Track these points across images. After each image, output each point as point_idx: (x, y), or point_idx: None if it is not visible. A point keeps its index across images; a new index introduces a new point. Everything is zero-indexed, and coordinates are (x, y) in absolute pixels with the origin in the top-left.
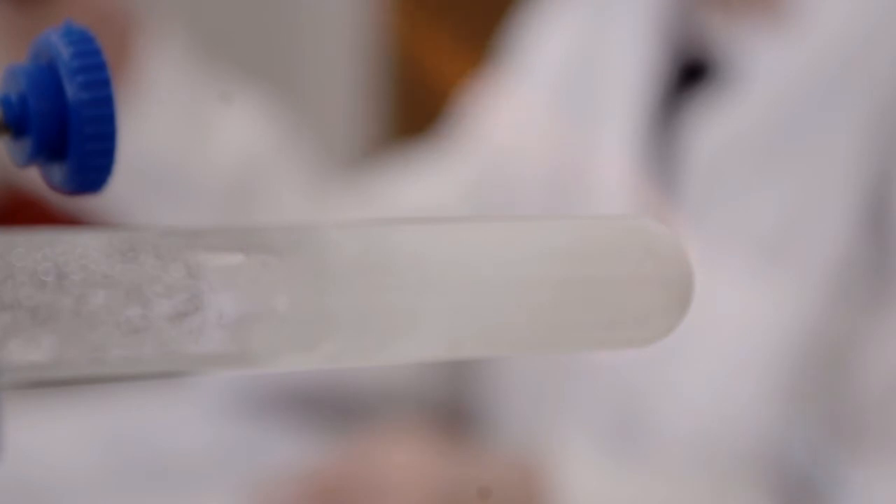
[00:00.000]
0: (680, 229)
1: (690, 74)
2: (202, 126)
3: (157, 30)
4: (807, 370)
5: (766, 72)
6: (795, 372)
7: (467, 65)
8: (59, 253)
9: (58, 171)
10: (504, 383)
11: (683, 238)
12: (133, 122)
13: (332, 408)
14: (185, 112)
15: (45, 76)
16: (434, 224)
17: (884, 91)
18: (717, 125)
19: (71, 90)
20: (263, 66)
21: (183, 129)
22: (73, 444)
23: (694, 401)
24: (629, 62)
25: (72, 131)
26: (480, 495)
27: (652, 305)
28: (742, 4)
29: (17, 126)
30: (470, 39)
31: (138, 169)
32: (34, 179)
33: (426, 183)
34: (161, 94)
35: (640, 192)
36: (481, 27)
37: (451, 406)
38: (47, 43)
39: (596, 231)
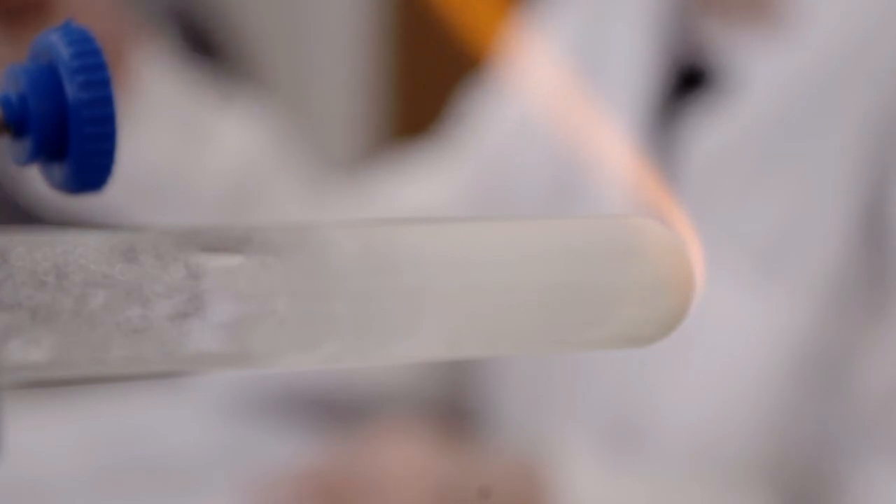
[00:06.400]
0: (682, 229)
1: (688, 81)
2: (199, 133)
3: (153, 39)
4: (803, 375)
5: (763, 79)
6: (792, 377)
7: (467, 65)
8: (59, 253)
9: (58, 171)
10: (504, 383)
11: (686, 238)
12: (130, 131)
13: (332, 408)
14: (181, 120)
15: (45, 76)
16: (434, 224)
17: (879, 99)
18: (713, 132)
19: (71, 90)
20: (263, 68)
21: (179, 137)
22: (73, 444)
23: (693, 401)
24: (627, 68)
25: (72, 131)
26: (480, 494)
27: (652, 305)
28: (739, 11)
29: (17, 126)
30: (469, 40)
31: (135, 177)
32: (34, 179)
33: (426, 183)
34: (157, 102)
35: (640, 191)
36: (480, 27)
37: (451, 406)
38: (47, 43)
39: (596, 231)
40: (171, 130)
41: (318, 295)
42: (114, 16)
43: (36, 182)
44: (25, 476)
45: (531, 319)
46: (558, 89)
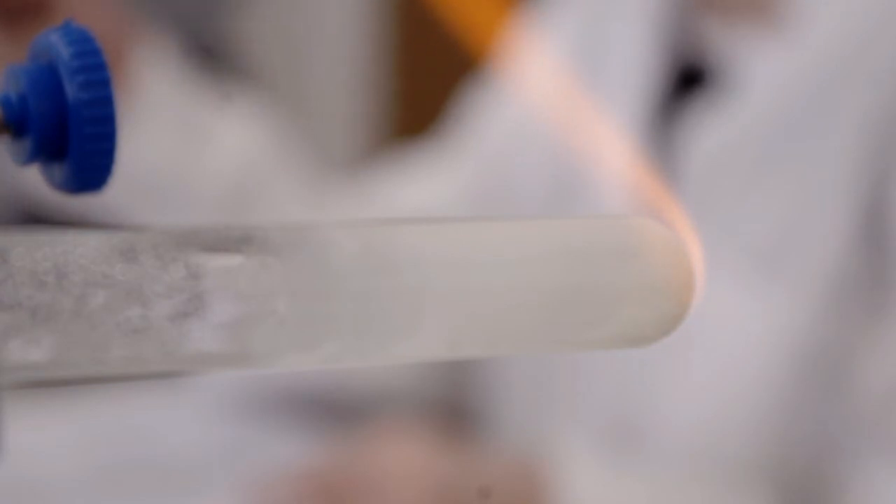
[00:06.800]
0: (682, 229)
1: (688, 80)
2: (199, 133)
3: (153, 39)
4: (803, 375)
5: (763, 79)
6: (792, 377)
7: (467, 65)
8: (59, 253)
9: (58, 171)
10: (504, 383)
11: (686, 238)
12: (130, 131)
13: (332, 408)
14: (181, 120)
15: (45, 76)
16: (434, 224)
17: (879, 99)
18: (713, 132)
19: (71, 90)
20: (263, 68)
21: (179, 137)
22: (73, 444)
23: (693, 401)
24: (627, 68)
25: (72, 131)
26: (480, 494)
27: (652, 305)
28: (739, 11)
29: (17, 126)
30: (469, 40)
31: (135, 177)
32: (34, 179)
33: (426, 183)
34: (157, 102)
35: (640, 191)
36: (480, 27)
37: (451, 406)
38: (47, 43)
39: (596, 231)
40: (171, 130)
41: (318, 295)
42: (114, 16)
43: (36, 182)
44: (25, 476)
45: (531, 319)
46: (558, 89)
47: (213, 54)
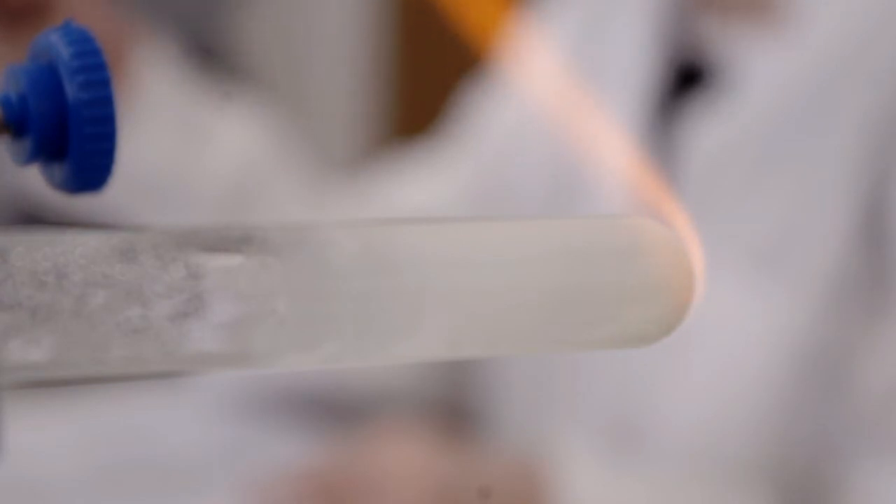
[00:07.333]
0: (682, 229)
1: (687, 79)
2: (199, 133)
3: (153, 39)
4: (803, 375)
5: (763, 78)
6: (792, 377)
7: (467, 65)
8: (59, 253)
9: (58, 171)
10: (504, 383)
11: (686, 238)
12: (130, 131)
13: (332, 408)
14: (181, 120)
15: (45, 76)
16: (434, 224)
17: (879, 99)
18: (712, 131)
19: (71, 90)
20: (263, 68)
21: (179, 137)
22: (73, 444)
23: (693, 401)
24: (627, 67)
25: (72, 131)
26: (480, 494)
27: (653, 305)
28: (739, 11)
29: (17, 126)
30: (469, 39)
31: (135, 177)
32: (34, 179)
33: (426, 183)
34: (157, 102)
35: (640, 191)
36: (480, 27)
37: (451, 406)
38: (47, 43)
39: (596, 231)
40: (171, 130)
41: (318, 295)
42: (114, 16)
43: (36, 182)
44: (25, 476)
45: (531, 319)
46: (558, 89)
47: (213, 54)
